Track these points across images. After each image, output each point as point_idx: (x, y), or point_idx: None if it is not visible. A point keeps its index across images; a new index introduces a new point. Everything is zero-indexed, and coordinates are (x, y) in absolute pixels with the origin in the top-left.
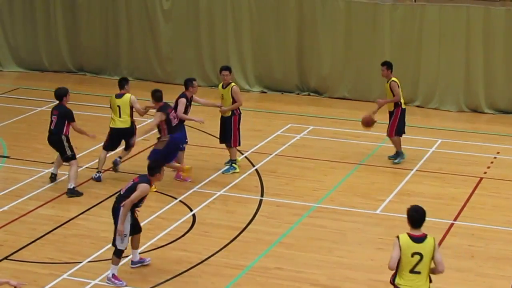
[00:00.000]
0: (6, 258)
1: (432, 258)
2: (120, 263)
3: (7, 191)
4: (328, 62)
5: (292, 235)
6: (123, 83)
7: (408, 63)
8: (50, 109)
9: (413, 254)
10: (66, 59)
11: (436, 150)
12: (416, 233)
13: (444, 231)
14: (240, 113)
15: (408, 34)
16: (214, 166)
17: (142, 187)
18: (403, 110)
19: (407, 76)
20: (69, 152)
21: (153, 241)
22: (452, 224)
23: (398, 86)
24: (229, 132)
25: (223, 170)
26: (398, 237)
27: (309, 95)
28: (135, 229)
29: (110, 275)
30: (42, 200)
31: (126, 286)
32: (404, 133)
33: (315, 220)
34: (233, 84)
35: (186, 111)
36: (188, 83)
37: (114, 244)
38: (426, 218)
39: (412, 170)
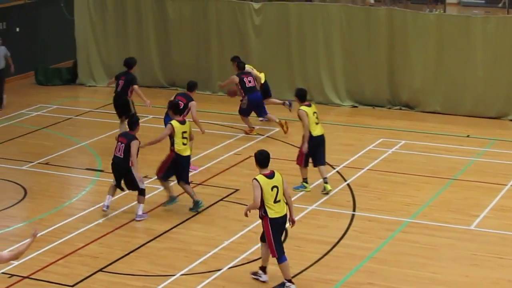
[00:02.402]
0: (100, 270)
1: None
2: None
3: (101, 204)
4: (419, 76)
5: (385, 250)
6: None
7: (502, 76)
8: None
9: (272, 188)
10: (158, 74)
11: None
12: (266, 171)
13: None
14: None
15: (501, 46)
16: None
17: (135, 143)
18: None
19: (500, 89)
20: (132, 110)
21: (245, 255)
22: None
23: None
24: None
25: (295, 186)
26: (256, 179)
27: (400, 109)
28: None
29: (140, 212)
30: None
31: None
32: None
33: (408, 236)
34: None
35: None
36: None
37: (138, 188)
38: None
39: (507, 185)
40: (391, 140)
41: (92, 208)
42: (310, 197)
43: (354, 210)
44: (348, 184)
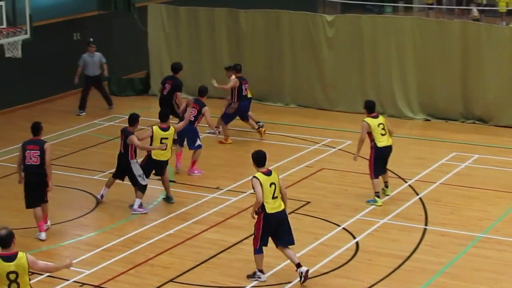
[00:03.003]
0: (171, 280)
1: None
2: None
3: (173, 214)
4: (493, 89)
5: (457, 265)
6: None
7: None
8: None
9: (270, 184)
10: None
11: None
12: (263, 169)
13: None
14: (375, 146)
15: None
16: None
17: (133, 137)
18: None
19: None
20: (177, 110)
21: (316, 268)
22: None
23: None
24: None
25: (368, 200)
26: (255, 176)
27: (474, 123)
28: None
29: (136, 206)
30: (207, 225)
31: (147, 213)
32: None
33: (480, 251)
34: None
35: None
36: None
37: (138, 184)
38: None
39: None
40: (464, 154)
41: (164, 219)
42: (381, 210)
43: (426, 224)
44: (420, 198)
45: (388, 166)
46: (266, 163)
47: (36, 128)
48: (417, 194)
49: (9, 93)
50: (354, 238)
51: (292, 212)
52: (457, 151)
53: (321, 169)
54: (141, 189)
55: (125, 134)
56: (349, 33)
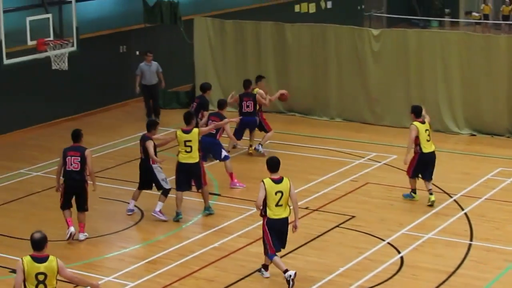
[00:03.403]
0: None
1: (289, 194)
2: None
3: (217, 228)
4: None
5: (502, 281)
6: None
7: None
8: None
9: (276, 192)
10: (276, 100)
11: None
12: (275, 176)
13: None
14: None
15: None
16: (423, 209)
17: (149, 143)
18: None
19: None
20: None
21: (360, 282)
22: None
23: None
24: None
25: (404, 194)
26: (263, 181)
27: None
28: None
29: (157, 210)
30: (251, 238)
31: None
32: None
33: None
34: None
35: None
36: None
37: (162, 187)
38: None
39: None
40: (510, 169)
41: (208, 232)
42: (426, 225)
43: (471, 240)
44: (465, 213)
45: (434, 181)
46: (311, 176)
47: (77, 135)
48: (463, 209)
49: (55, 105)
50: (399, 252)
51: (337, 226)
52: (502, 166)
53: (366, 183)
54: (164, 193)
55: (143, 140)
56: (395, 47)
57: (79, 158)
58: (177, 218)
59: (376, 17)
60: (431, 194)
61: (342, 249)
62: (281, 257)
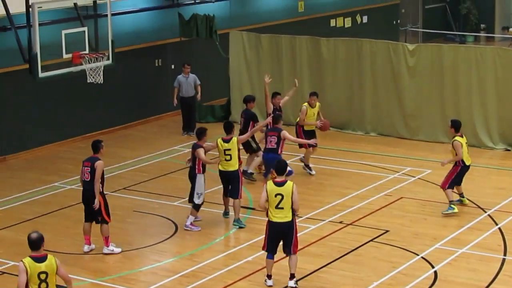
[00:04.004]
0: None
1: (292, 198)
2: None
3: (251, 241)
4: None
5: None
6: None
7: None
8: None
9: (276, 195)
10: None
11: None
12: (279, 179)
13: None
14: (464, 164)
15: None
16: (458, 224)
17: (200, 150)
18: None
19: None
20: (254, 145)
21: None
22: None
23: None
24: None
25: (443, 211)
26: (266, 183)
27: None
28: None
29: (188, 223)
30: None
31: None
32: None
33: None
34: None
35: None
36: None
37: (191, 201)
38: None
39: None
40: None
41: (242, 246)
42: (460, 240)
43: (505, 255)
44: (499, 228)
45: (467, 196)
46: (346, 191)
47: (95, 146)
48: (496, 224)
49: (90, 118)
50: (433, 267)
51: (371, 240)
52: None
53: (401, 197)
54: (195, 207)
55: (194, 148)
56: (430, 62)
57: (90, 168)
58: (226, 216)
59: (412, 32)
60: (462, 197)
61: (376, 263)
62: (314, 271)
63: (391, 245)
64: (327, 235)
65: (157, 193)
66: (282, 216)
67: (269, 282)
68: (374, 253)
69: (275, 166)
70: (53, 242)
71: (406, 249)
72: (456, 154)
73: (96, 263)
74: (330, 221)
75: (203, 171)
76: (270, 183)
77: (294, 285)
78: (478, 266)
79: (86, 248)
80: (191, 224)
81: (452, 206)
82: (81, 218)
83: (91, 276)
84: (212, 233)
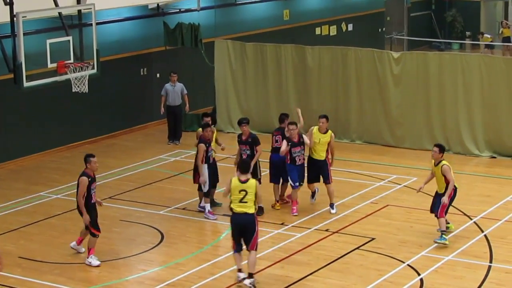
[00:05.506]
0: None
1: (255, 193)
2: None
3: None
4: None
5: None
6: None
7: None
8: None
9: (240, 191)
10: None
11: None
12: (243, 177)
13: None
14: (456, 188)
15: None
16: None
17: (200, 146)
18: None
19: None
20: (258, 176)
21: None
22: None
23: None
24: (437, 203)
25: (436, 239)
26: (231, 179)
27: None
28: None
29: (206, 211)
30: (271, 260)
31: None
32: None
33: None
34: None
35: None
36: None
37: (200, 190)
38: None
39: None
40: None
41: (228, 254)
42: (446, 247)
43: (491, 262)
44: (485, 235)
45: (454, 203)
46: None
47: (84, 160)
48: (482, 231)
49: (75, 128)
50: (419, 274)
51: (357, 248)
52: None
53: (387, 205)
54: (205, 194)
55: (197, 139)
56: (416, 70)
57: (76, 183)
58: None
59: (397, 39)
60: (448, 223)
61: (362, 271)
62: (301, 279)
63: (377, 253)
64: (313, 243)
65: (143, 202)
66: (241, 209)
67: (241, 275)
68: (361, 261)
69: (239, 165)
70: (39, 252)
71: (392, 257)
72: (446, 179)
73: (82, 273)
74: (316, 229)
75: (206, 162)
76: (234, 180)
77: (249, 285)
78: (464, 273)
79: (72, 244)
80: (209, 212)
81: (445, 237)
82: (67, 228)
83: (78, 286)
84: (199, 241)
